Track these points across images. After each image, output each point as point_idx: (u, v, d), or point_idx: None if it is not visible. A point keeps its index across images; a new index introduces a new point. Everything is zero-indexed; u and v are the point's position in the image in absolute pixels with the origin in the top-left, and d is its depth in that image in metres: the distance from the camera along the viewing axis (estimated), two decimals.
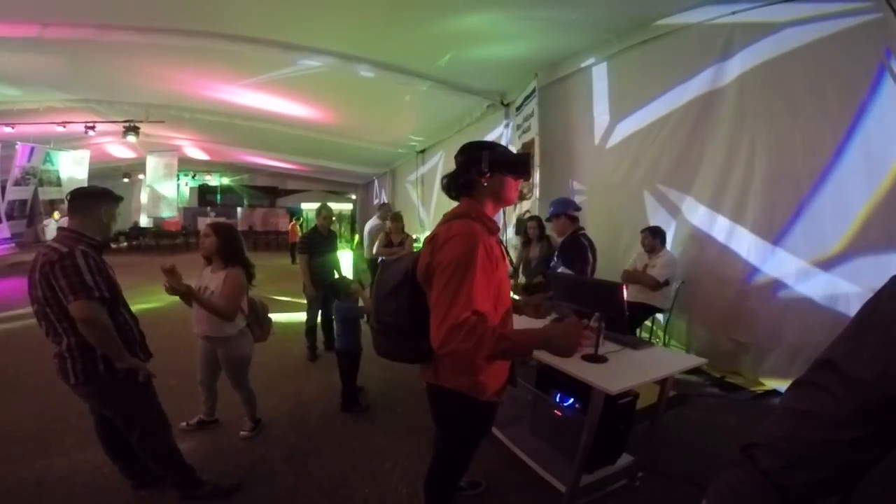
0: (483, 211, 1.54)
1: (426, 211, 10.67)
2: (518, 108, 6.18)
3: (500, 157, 1.53)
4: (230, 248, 2.75)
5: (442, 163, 9.53)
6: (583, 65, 5.19)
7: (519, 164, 1.57)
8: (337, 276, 4.45)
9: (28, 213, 12.88)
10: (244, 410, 3.05)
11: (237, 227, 3.06)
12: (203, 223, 16.53)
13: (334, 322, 3.63)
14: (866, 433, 0.55)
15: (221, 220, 3.94)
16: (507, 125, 6.70)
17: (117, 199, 2.15)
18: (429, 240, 1.51)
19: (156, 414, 2.23)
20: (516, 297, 1.91)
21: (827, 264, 3.27)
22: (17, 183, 11.70)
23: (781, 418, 0.63)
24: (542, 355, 2.18)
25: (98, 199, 2.06)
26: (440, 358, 1.53)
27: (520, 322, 1.76)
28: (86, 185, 11.81)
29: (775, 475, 0.59)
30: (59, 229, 2.04)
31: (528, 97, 5.79)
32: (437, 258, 1.40)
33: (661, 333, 4.35)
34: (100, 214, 2.04)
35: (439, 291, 1.34)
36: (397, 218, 5.75)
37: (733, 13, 3.67)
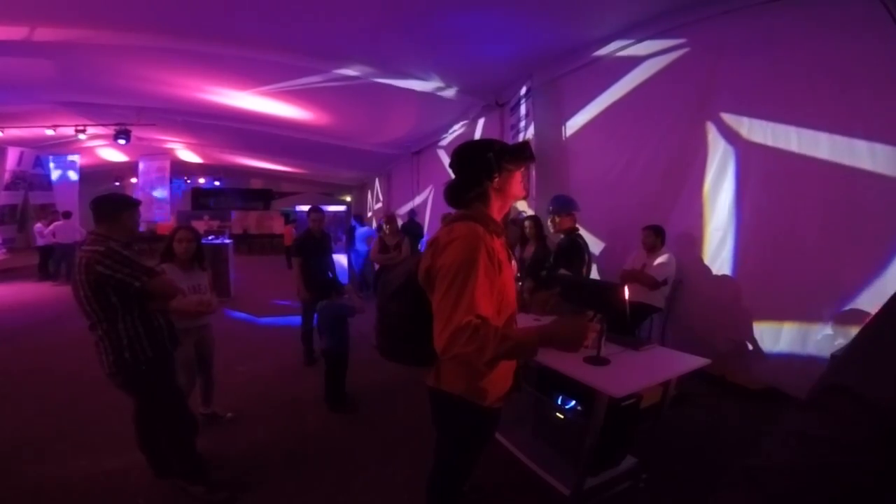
0: (488, 213, 1.52)
1: (421, 213, 10.62)
2: (512, 109, 6.17)
3: (502, 152, 1.50)
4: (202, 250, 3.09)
5: (437, 165, 9.49)
6: (576, 65, 5.18)
7: (521, 153, 1.53)
8: (331, 276, 4.44)
9: (19, 218, 12.72)
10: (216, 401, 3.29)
11: None
12: (197, 227, 16.40)
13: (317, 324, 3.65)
14: (886, 457, 0.52)
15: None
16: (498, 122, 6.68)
17: (137, 204, 2.40)
18: (430, 242, 1.49)
19: (179, 404, 2.42)
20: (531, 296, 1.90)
21: (826, 263, 3.27)
22: (7, 188, 11.56)
23: (791, 442, 0.60)
24: (544, 357, 2.18)
25: (124, 206, 2.27)
26: (442, 362, 1.51)
27: (527, 320, 1.74)
28: (77, 189, 11.78)
29: (785, 500, 0.57)
30: (89, 233, 2.23)
31: (522, 97, 5.78)
32: (439, 261, 1.38)
33: (658, 333, 4.34)
34: (126, 220, 2.26)
35: (441, 296, 1.32)
36: (391, 220, 5.69)
37: (725, 12, 3.70)
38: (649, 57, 4.41)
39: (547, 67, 5.44)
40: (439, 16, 4.40)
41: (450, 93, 6.34)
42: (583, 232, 4.17)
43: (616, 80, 4.84)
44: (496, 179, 1.49)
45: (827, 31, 3.14)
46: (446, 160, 9.12)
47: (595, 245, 4.08)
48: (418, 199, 10.82)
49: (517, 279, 1.68)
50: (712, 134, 3.97)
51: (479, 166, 1.49)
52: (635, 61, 4.55)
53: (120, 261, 2.06)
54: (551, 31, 4.67)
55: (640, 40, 4.43)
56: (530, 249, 4.54)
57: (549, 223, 4.20)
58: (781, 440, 0.61)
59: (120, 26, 4.67)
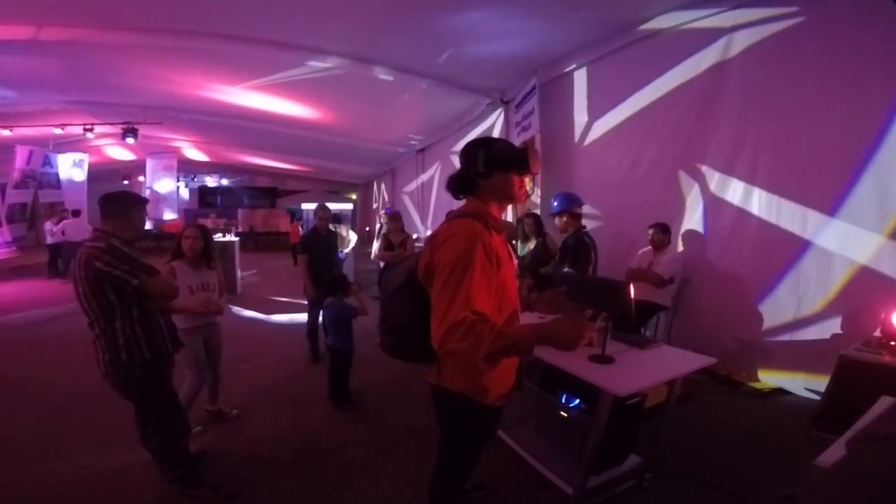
0: (487, 210, 1.51)
1: (426, 210, 10.64)
2: (518, 106, 6.14)
3: (497, 154, 1.50)
4: (212, 248, 3.06)
5: (442, 163, 9.49)
6: (583, 61, 5.14)
7: (517, 160, 1.51)
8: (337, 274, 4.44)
9: (29, 216, 12.87)
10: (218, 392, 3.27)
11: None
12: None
13: (323, 320, 3.66)
14: None
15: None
16: (503, 119, 6.66)
17: (145, 202, 2.42)
18: (429, 239, 1.51)
19: (172, 408, 2.34)
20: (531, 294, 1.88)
21: (835, 262, 3.23)
22: (16, 186, 11.68)
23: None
24: (548, 355, 2.17)
25: (131, 203, 2.27)
26: (443, 359, 1.51)
27: (531, 319, 1.72)
28: (85, 187, 11.92)
29: None
30: (94, 230, 2.23)
31: (528, 94, 5.75)
32: (436, 257, 1.39)
33: (664, 331, 4.31)
34: (134, 217, 2.25)
35: (438, 291, 1.33)
36: (395, 217, 5.68)
37: (735, 7, 3.66)
38: (655, 52, 4.36)
39: (554, 64, 5.40)
40: (443, 14, 4.38)
41: (454, 89, 6.31)
42: (589, 229, 4.12)
43: (624, 77, 4.79)
44: (486, 179, 1.50)
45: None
46: (457, 162, 9.11)
47: (601, 242, 4.06)
48: (421, 189, 10.86)
49: (517, 276, 1.66)
50: (721, 130, 3.92)
51: (472, 162, 1.52)
52: (642, 57, 4.49)
53: (119, 257, 2.03)
54: (559, 29, 4.63)
55: (645, 37, 4.38)
56: (527, 247, 4.52)
57: (555, 223, 4.17)
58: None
59: (125, 25, 4.69)
